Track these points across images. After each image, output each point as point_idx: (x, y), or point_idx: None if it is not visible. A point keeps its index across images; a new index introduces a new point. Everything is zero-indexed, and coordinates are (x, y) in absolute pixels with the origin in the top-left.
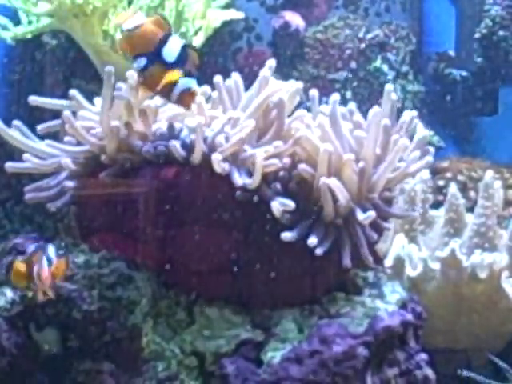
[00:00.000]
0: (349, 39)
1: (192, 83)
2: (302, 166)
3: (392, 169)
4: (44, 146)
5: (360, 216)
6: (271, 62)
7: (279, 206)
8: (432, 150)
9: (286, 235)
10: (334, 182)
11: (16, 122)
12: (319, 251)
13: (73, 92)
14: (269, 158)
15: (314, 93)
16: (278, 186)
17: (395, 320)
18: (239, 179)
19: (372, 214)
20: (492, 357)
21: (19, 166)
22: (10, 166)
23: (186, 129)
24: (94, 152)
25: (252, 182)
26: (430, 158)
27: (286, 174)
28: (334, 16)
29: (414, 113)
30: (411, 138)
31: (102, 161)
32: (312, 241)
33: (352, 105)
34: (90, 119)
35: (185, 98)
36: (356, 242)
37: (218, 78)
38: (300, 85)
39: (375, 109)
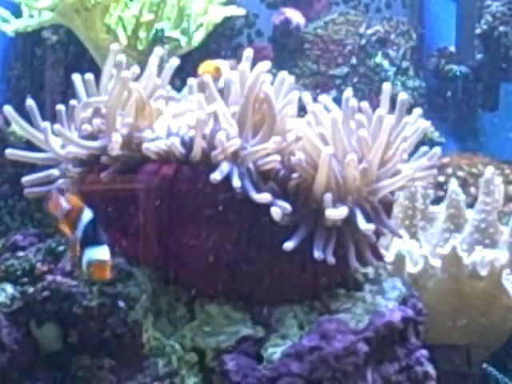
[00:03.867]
0: (349, 35)
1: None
2: (298, 158)
3: (399, 184)
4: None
5: (363, 225)
6: (249, 53)
7: (279, 210)
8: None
9: (289, 245)
10: (333, 213)
11: (29, 101)
12: (331, 260)
13: (88, 76)
14: (269, 154)
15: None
16: (275, 186)
17: (396, 316)
18: (238, 181)
19: (371, 227)
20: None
21: (19, 153)
22: (10, 152)
23: (185, 126)
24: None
25: (258, 199)
26: (434, 172)
27: (286, 173)
28: (334, 12)
29: (428, 123)
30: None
31: (101, 161)
32: (319, 255)
33: (354, 101)
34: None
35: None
36: (357, 243)
37: (207, 78)
38: (285, 74)
39: (381, 110)
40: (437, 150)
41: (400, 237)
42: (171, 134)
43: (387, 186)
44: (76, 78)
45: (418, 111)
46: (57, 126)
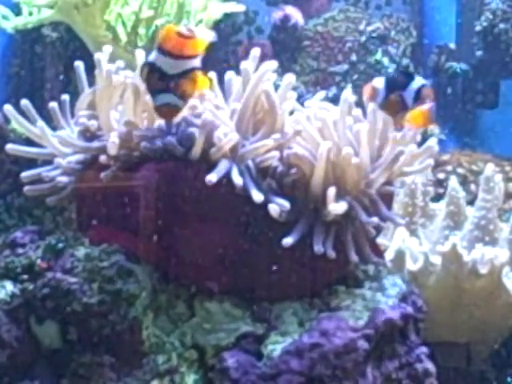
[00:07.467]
0: (349, 32)
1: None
2: (296, 151)
3: (391, 169)
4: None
5: (365, 219)
6: (255, 52)
7: (276, 207)
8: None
9: (288, 241)
10: (335, 207)
11: (24, 101)
12: (331, 254)
13: (78, 63)
14: (268, 151)
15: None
16: (273, 183)
17: (395, 313)
18: (239, 179)
19: (375, 220)
20: None
21: (20, 148)
22: (10, 147)
23: (183, 123)
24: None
25: (257, 199)
26: (430, 161)
27: (284, 169)
28: (334, 9)
29: None
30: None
31: (100, 161)
32: (319, 249)
33: (352, 97)
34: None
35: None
36: (356, 238)
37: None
38: (292, 77)
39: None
40: (433, 141)
41: (400, 225)
42: (170, 132)
43: (380, 175)
44: (79, 65)
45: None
46: (58, 133)
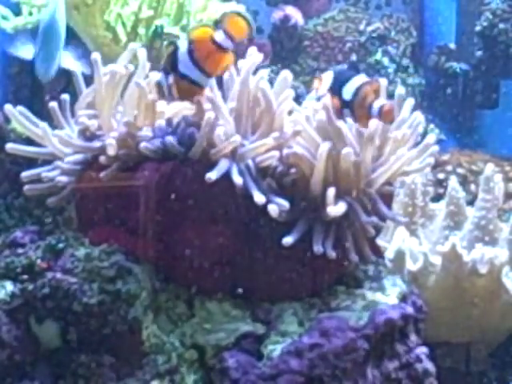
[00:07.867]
0: (349, 32)
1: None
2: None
3: (392, 170)
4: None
5: (364, 219)
6: (252, 51)
7: (276, 207)
8: (432, 158)
9: (288, 240)
10: (333, 209)
11: (20, 108)
12: (331, 254)
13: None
14: (267, 151)
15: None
16: (273, 183)
17: (395, 313)
18: (239, 178)
19: (374, 219)
20: None
21: (20, 148)
22: (10, 147)
23: (183, 123)
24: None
25: (259, 201)
26: (431, 160)
27: (283, 169)
28: (334, 9)
29: (421, 117)
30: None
31: (100, 161)
32: (318, 249)
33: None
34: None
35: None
36: (356, 238)
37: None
38: (288, 73)
39: (378, 103)
40: (431, 138)
41: (401, 223)
42: (169, 132)
43: (381, 175)
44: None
45: (410, 102)
46: (57, 132)
